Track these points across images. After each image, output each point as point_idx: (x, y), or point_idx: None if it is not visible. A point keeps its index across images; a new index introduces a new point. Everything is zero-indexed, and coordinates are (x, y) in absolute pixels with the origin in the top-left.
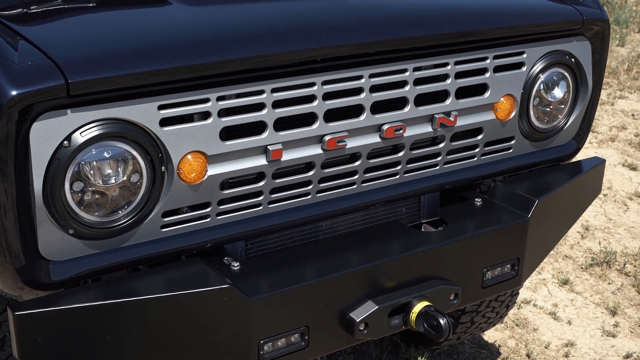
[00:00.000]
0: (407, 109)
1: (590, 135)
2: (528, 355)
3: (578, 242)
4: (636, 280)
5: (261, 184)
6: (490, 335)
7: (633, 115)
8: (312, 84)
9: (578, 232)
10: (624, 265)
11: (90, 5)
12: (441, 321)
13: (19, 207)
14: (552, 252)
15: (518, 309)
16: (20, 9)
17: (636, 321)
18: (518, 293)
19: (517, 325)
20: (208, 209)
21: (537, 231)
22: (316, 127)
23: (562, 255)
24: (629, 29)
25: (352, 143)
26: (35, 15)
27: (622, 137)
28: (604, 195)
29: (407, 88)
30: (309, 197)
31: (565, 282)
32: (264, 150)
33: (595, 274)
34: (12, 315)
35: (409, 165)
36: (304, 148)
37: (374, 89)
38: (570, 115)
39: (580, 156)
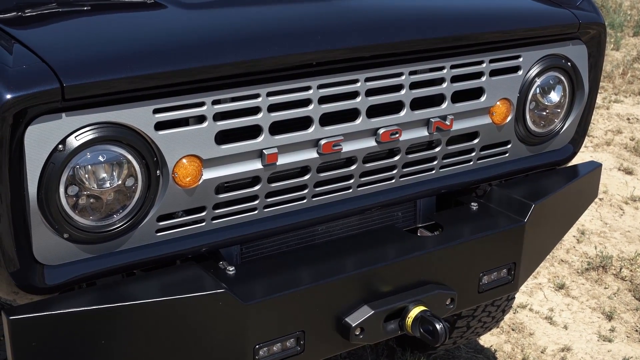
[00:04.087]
0: (403, 113)
1: (586, 139)
2: None
3: (574, 247)
4: (632, 285)
5: (256, 188)
6: (487, 340)
7: (628, 119)
8: (307, 88)
9: (574, 236)
10: (620, 269)
11: (85, 8)
12: (437, 326)
13: (14, 211)
14: (547, 256)
15: (514, 313)
16: (15, 13)
17: (632, 326)
18: (514, 297)
19: (513, 330)
20: (203, 213)
21: (533, 236)
22: (312, 131)
23: (557, 259)
24: (623, 32)
25: (347, 147)
26: (30, 19)
27: (618, 141)
28: (600, 199)
29: (403, 92)
30: (305, 201)
31: (561, 287)
32: (259, 154)
33: (591, 278)
34: (6, 320)
35: (404, 170)
36: (299, 152)
37: (370, 92)
38: (567, 120)
39: (575, 160)
